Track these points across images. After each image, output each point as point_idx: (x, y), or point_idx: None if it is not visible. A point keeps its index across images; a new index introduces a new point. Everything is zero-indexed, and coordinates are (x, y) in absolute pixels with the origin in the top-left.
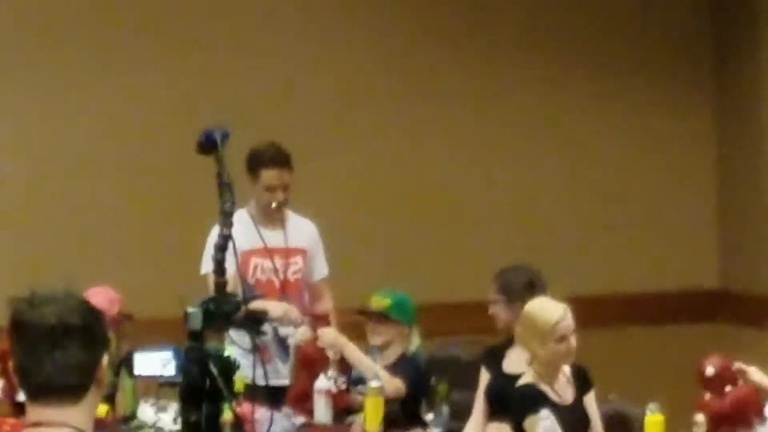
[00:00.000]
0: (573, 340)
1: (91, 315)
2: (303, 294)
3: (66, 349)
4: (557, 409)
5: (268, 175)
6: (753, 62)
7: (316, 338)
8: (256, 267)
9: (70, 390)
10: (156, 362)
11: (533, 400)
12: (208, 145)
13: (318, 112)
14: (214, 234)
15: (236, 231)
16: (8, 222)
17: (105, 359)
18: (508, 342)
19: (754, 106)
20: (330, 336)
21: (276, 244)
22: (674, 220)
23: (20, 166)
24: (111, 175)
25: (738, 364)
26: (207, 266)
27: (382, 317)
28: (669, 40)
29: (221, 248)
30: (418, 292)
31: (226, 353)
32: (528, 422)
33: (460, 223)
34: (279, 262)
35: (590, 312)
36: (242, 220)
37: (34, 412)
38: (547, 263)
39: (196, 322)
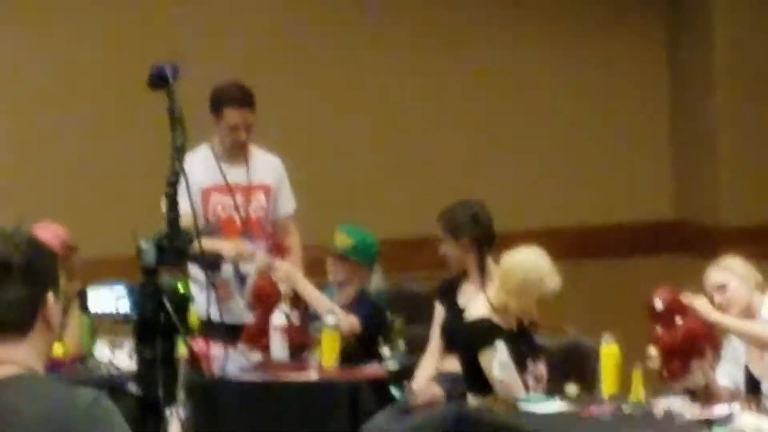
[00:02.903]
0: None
1: (37, 253)
2: (266, 231)
3: (8, 287)
4: (509, 337)
5: (231, 115)
6: None
7: (272, 269)
8: (216, 204)
9: (10, 327)
10: (110, 299)
11: (487, 333)
12: (160, 81)
13: (279, 49)
14: None
15: (197, 167)
16: None
17: (51, 298)
18: (462, 276)
19: (706, 31)
20: (284, 268)
21: (238, 180)
22: (628, 153)
23: None
24: (62, 113)
25: (685, 297)
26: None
27: (343, 257)
28: None
29: (172, 183)
30: (376, 228)
31: (180, 288)
32: (482, 355)
33: (418, 159)
34: (240, 199)
35: (545, 245)
36: (204, 157)
37: None
38: (501, 198)
39: (150, 258)
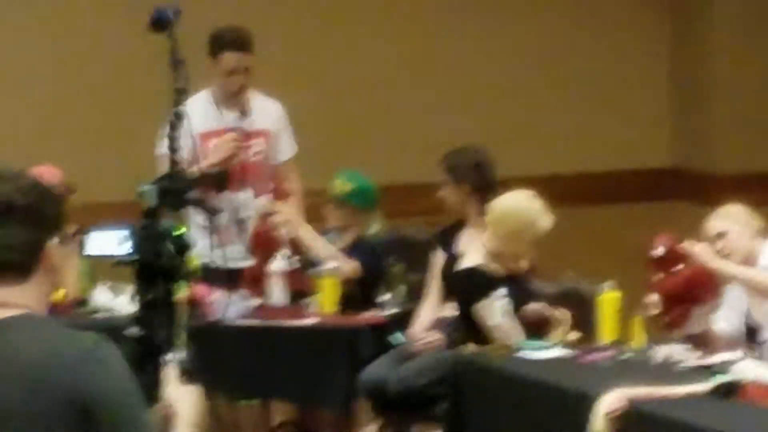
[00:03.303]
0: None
1: (41, 195)
2: (264, 175)
3: (10, 227)
4: (505, 283)
5: (229, 58)
6: None
7: (272, 213)
8: (213, 148)
9: (11, 267)
10: (110, 241)
11: (483, 285)
12: (160, 23)
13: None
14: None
15: (195, 113)
16: None
17: (54, 242)
18: (461, 223)
19: None
20: (285, 213)
21: (236, 125)
22: (626, 100)
23: None
24: (62, 55)
25: (686, 245)
26: (163, 147)
27: (342, 202)
28: None
29: (173, 126)
30: (375, 174)
31: (181, 231)
32: (480, 305)
33: (417, 105)
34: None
35: (543, 192)
36: (202, 102)
37: None
38: (500, 145)
39: (151, 199)
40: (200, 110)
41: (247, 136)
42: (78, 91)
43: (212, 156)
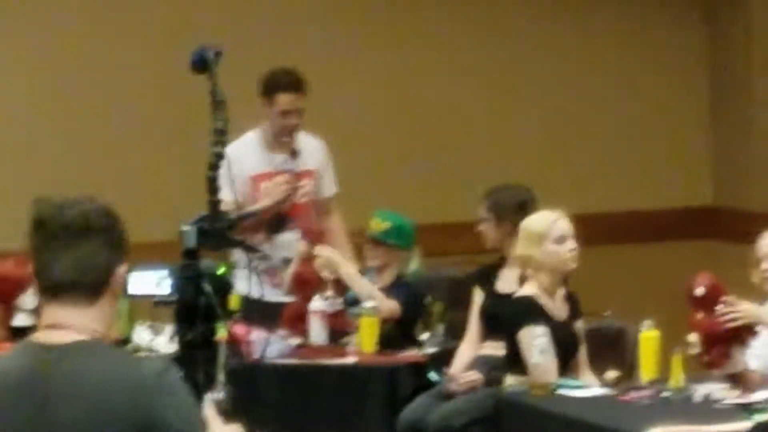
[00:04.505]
0: (573, 243)
1: (114, 220)
2: (310, 214)
3: (86, 247)
4: (554, 324)
5: (284, 100)
6: None
7: (313, 255)
8: (265, 191)
9: (86, 288)
10: (150, 281)
11: (531, 312)
12: (201, 64)
13: (316, 36)
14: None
15: (246, 155)
16: (12, 147)
17: (123, 269)
18: (501, 261)
19: (746, 14)
20: (326, 254)
21: (287, 167)
22: (667, 138)
23: (23, 92)
24: (105, 94)
25: (728, 299)
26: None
27: (379, 241)
28: None
29: (213, 167)
30: (415, 213)
31: (221, 271)
32: (523, 332)
33: (457, 144)
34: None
35: (584, 231)
36: (251, 144)
37: (49, 313)
38: (540, 183)
39: (191, 240)
40: (250, 153)
41: (297, 177)
42: (119, 130)
43: (265, 199)
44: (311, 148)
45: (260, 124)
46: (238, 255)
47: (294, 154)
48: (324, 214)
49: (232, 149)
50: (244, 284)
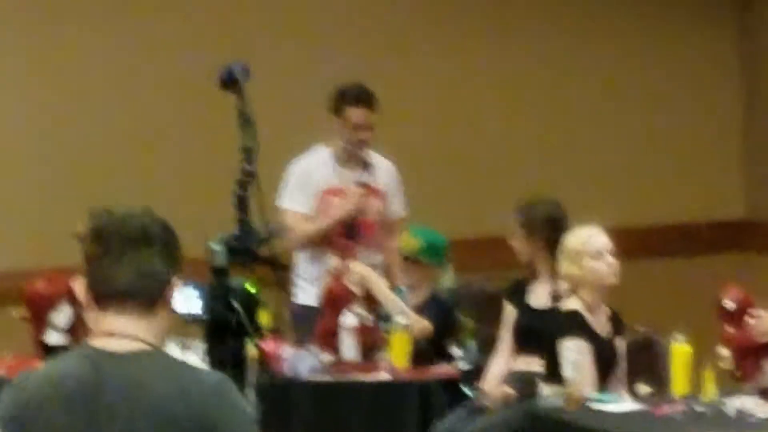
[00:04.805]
0: (611, 258)
1: (171, 232)
2: (376, 233)
3: (145, 255)
4: (597, 340)
5: (356, 114)
6: None
7: (345, 271)
8: (337, 203)
9: (144, 297)
10: (180, 299)
11: (574, 325)
12: (229, 81)
13: (349, 61)
14: (293, 170)
15: (316, 169)
16: (44, 167)
17: (176, 281)
18: (532, 276)
19: None
20: (360, 270)
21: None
22: (700, 151)
23: (55, 112)
24: (135, 113)
25: (758, 313)
26: (286, 201)
27: (413, 259)
28: None
29: (242, 185)
30: (445, 228)
31: (251, 289)
32: (563, 345)
33: (488, 157)
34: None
35: (617, 244)
36: (322, 159)
37: (107, 322)
38: (573, 197)
39: (220, 258)
40: (321, 167)
41: (369, 191)
42: (149, 149)
43: (340, 207)
44: (382, 167)
45: (328, 140)
46: (302, 266)
47: (366, 166)
48: (389, 233)
49: (303, 163)
50: (306, 295)
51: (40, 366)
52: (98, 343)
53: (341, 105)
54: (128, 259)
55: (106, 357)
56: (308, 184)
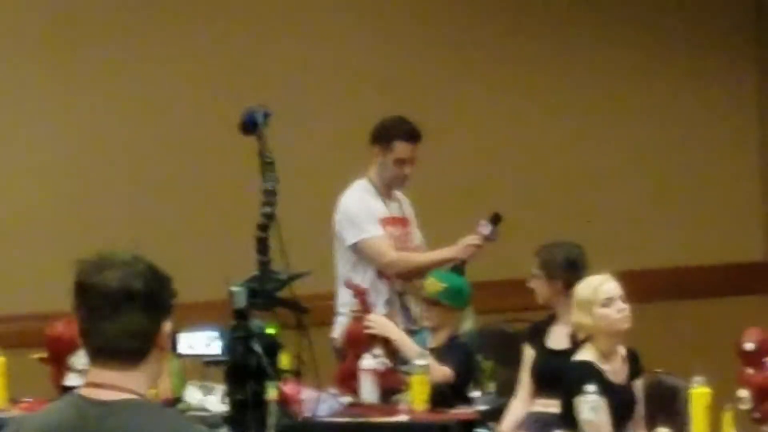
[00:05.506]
0: (622, 304)
1: (156, 280)
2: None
3: (127, 314)
4: (612, 388)
5: (402, 148)
6: None
7: (364, 317)
8: (390, 235)
9: (129, 354)
10: (201, 341)
11: (588, 376)
12: (250, 125)
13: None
14: (350, 203)
15: (369, 199)
16: (60, 207)
17: (168, 326)
18: (551, 319)
19: None
20: (378, 321)
21: (397, 214)
22: (719, 194)
23: (73, 152)
24: (156, 156)
25: None
26: (365, 232)
27: (434, 302)
28: (712, 11)
29: (263, 227)
30: (467, 270)
31: (271, 331)
32: (581, 399)
33: (508, 200)
34: (402, 230)
35: (635, 286)
36: (368, 191)
37: (94, 373)
38: (592, 239)
39: (241, 301)
40: (371, 199)
41: (404, 222)
42: (169, 191)
43: (457, 252)
44: (402, 198)
45: (366, 173)
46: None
47: (398, 202)
48: None
49: (356, 195)
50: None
51: (40, 409)
52: (86, 391)
53: (390, 138)
54: (109, 318)
55: (93, 406)
56: (371, 213)
